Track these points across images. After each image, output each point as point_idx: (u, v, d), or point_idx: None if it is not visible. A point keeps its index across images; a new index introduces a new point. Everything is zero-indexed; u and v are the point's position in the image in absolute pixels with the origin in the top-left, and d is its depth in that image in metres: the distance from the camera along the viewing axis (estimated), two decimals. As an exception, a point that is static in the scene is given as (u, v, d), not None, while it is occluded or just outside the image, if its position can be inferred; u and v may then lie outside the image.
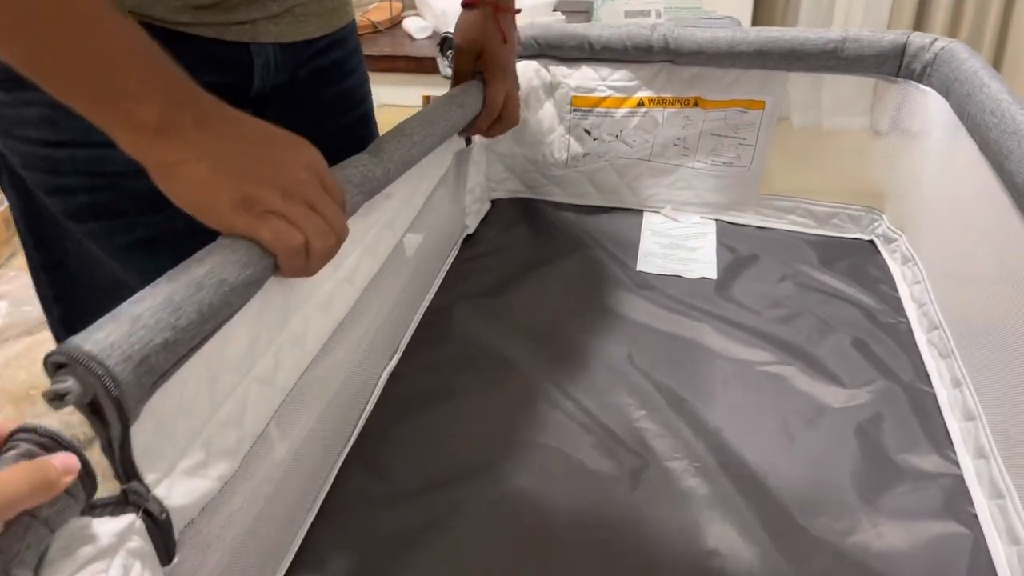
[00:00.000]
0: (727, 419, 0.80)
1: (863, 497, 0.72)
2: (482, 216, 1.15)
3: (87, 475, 0.40)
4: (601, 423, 0.79)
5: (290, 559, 0.66)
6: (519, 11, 0.92)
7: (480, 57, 0.91)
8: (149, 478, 0.45)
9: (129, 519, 0.43)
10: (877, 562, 0.66)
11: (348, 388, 0.76)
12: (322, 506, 0.71)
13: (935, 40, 0.95)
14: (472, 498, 0.72)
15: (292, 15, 0.70)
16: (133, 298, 0.43)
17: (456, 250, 1.08)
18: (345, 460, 0.76)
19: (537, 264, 1.04)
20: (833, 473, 0.74)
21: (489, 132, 0.96)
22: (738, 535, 0.68)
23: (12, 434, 0.38)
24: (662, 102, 1.08)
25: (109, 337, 0.39)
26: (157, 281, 0.45)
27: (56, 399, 0.37)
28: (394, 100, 1.79)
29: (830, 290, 1.00)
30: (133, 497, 0.44)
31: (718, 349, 0.89)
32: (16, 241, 0.67)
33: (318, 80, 0.78)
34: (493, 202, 1.18)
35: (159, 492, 0.46)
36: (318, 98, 0.80)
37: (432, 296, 0.99)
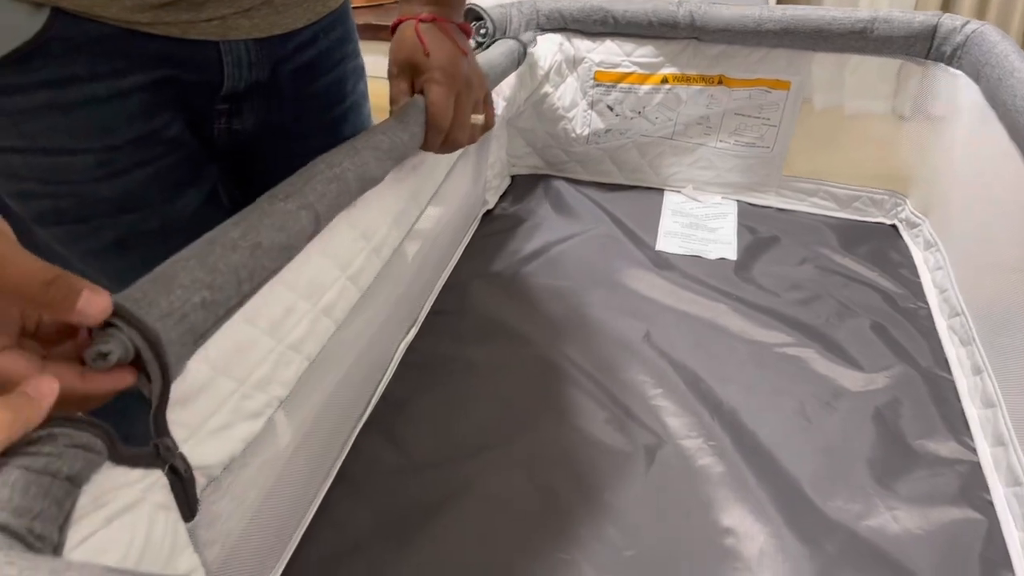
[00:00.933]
0: (743, 400, 0.80)
1: (879, 481, 0.72)
2: (501, 192, 1.15)
3: (105, 431, 0.40)
4: (617, 400, 0.80)
5: (309, 519, 0.67)
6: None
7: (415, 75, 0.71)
8: (178, 435, 0.46)
9: (156, 474, 0.44)
10: (891, 545, 0.66)
11: (367, 358, 0.76)
12: (340, 471, 0.72)
13: (967, 22, 0.93)
14: (487, 472, 0.72)
15: (270, 6, 0.63)
16: (168, 260, 0.44)
17: (475, 225, 1.08)
18: (363, 428, 0.76)
19: (556, 241, 1.04)
20: (849, 456, 0.74)
21: (441, 147, 0.72)
22: (752, 515, 0.68)
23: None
24: (686, 79, 1.07)
25: (148, 296, 0.39)
26: (193, 244, 0.46)
27: (99, 359, 0.37)
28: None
29: (850, 274, 0.99)
30: (164, 453, 0.44)
31: (736, 330, 0.89)
32: None
33: (303, 76, 0.71)
34: (513, 178, 1.17)
35: (185, 450, 0.46)
36: (302, 94, 0.72)
37: (450, 270, 0.99)
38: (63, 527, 0.37)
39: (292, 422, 0.61)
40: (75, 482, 0.38)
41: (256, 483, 0.56)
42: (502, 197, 1.14)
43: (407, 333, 0.87)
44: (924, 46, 0.96)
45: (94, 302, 0.36)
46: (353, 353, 0.72)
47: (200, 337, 0.45)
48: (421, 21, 0.68)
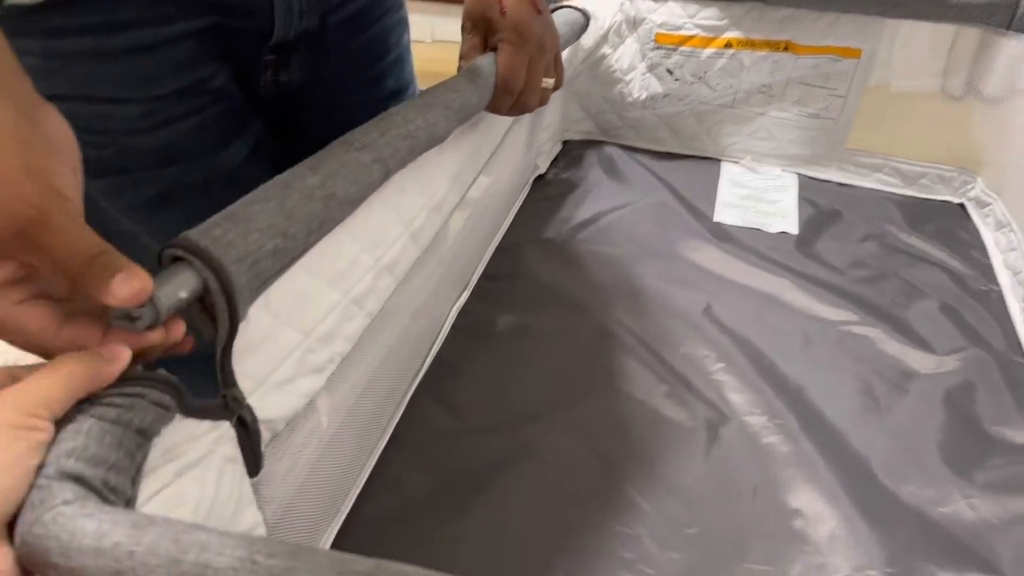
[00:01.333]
0: (809, 378, 0.77)
1: (953, 467, 0.69)
2: (553, 157, 1.11)
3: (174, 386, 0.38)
4: (677, 373, 0.77)
5: (363, 480, 0.65)
6: None
7: (488, 33, 0.68)
8: (244, 387, 0.43)
9: (223, 427, 0.42)
10: (967, 534, 0.63)
11: (421, 319, 0.74)
12: (394, 433, 0.70)
13: (1056, -9, 0.88)
14: (543, 439, 0.69)
15: None
16: (245, 199, 0.41)
17: (527, 190, 1.05)
18: (416, 391, 0.74)
19: (609, 209, 1.00)
20: (921, 440, 0.71)
21: (510, 110, 0.70)
22: (822, 497, 0.65)
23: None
24: (751, 44, 1.02)
25: (226, 235, 0.37)
26: (269, 185, 0.43)
27: (125, 319, 0.35)
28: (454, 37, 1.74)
29: (917, 252, 0.95)
30: (232, 404, 0.42)
31: (799, 306, 0.86)
32: None
33: (350, 27, 0.69)
34: (564, 143, 1.14)
35: (251, 402, 0.44)
36: (349, 46, 0.71)
37: (502, 235, 0.96)
38: (135, 480, 0.35)
39: (348, 381, 0.59)
40: (146, 435, 0.36)
41: (314, 439, 0.54)
42: (553, 162, 1.11)
43: (459, 297, 0.85)
44: (1007, 15, 0.92)
45: (127, 283, 0.33)
46: (408, 314, 0.70)
47: (263, 284, 0.43)
48: None
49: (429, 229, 0.69)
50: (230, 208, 0.40)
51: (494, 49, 0.65)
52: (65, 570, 0.30)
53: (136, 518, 0.31)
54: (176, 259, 0.36)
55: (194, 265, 0.36)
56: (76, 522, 0.30)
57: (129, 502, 0.34)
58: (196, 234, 0.37)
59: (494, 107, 0.66)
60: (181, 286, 0.35)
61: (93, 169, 0.57)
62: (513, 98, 0.66)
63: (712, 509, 0.65)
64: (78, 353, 0.34)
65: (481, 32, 0.66)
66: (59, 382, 0.32)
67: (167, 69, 0.55)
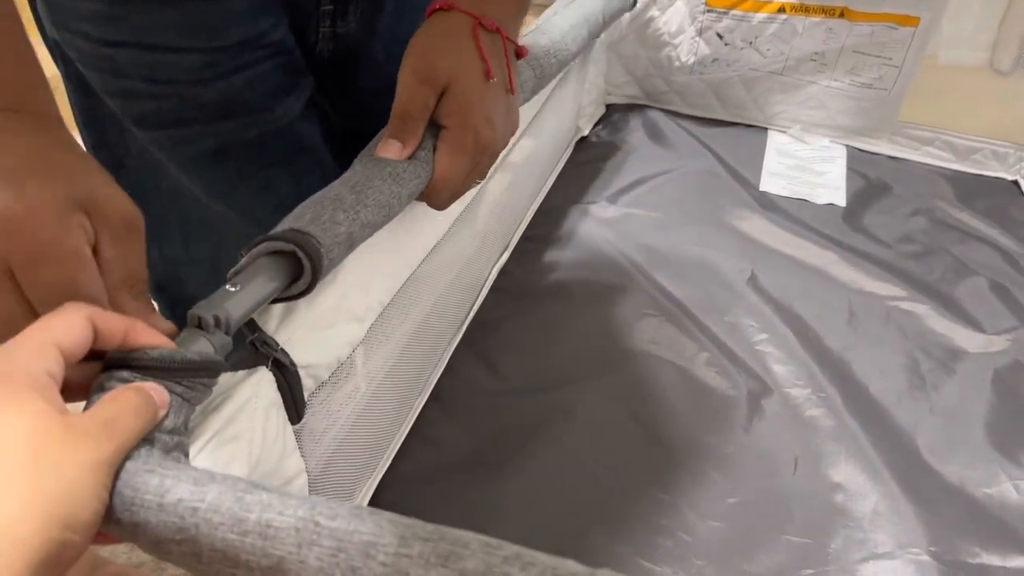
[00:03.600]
0: (853, 352, 0.75)
1: (999, 448, 0.67)
2: (595, 120, 1.09)
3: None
4: (719, 341, 0.76)
5: (403, 436, 0.65)
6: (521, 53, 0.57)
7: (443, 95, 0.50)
8: (281, 338, 0.43)
9: (261, 371, 0.42)
10: (1013, 516, 0.62)
11: (463, 278, 0.73)
12: (434, 391, 0.69)
13: None
14: (583, 401, 0.69)
15: None
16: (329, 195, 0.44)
17: (569, 152, 1.03)
18: (456, 350, 0.73)
19: (653, 174, 0.99)
20: (967, 420, 0.70)
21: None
22: (864, 472, 0.65)
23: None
24: (805, 10, 0.99)
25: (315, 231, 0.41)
26: (352, 180, 0.45)
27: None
28: None
29: (967, 229, 0.93)
30: (263, 348, 0.42)
31: (846, 279, 0.84)
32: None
33: None
34: (608, 107, 1.12)
35: (289, 349, 0.44)
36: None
37: (543, 197, 0.95)
38: (185, 431, 0.35)
39: (389, 340, 0.59)
40: (192, 403, 0.35)
41: (357, 393, 0.54)
42: (596, 126, 1.09)
43: (500, 257, 0.84)
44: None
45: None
46: (452, 271, 0.69)
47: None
48: (483, 27, 0.50)
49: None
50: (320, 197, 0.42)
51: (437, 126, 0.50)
52: (129, 525, 0.30)
53: (197, 474, 0.30)
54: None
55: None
56: (138, 478, 0.30)
57: (185, 453, 0.34)
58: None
59: (427, 201, 0.53)
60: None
61: (151, 120, 0.57)
62: (443, 200, 0.52)
63: (752, 480, 0.64)
64: (133, 389, 0.32)
65: (436, 91, 0.49)
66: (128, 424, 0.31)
67: (231, 19, 0.54)
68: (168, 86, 0.55)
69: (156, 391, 0.33)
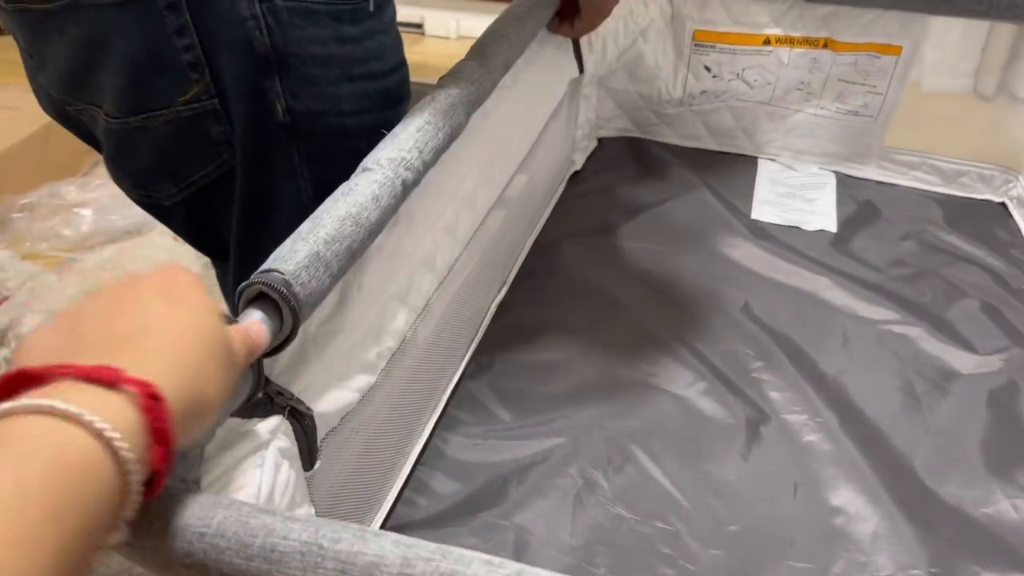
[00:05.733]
0: (849, 377, 0.76)
1: (995, 468, 0.68)
2: (588, 153, 1.11)
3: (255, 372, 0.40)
4: (716, 370, 0.77)
5: (406, 473, 0.66)
6: None
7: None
8: (296, 387, 0.44)
9: (277, 419, 0.43)
10: (1012, 534, 0.63)
11: (462, 314, 0.74)
12: (434, 428, 0.70)
13: (1105, -13, 0.87)
14: (583, 433, 0.70)
15: None
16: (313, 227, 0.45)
17: (563, 186, 1.05)
18: (456, 385, 0.74)
19: (646, 205, 1.00)
20: (962, 440, 0.71)
21: (576, 28, 0.84)
22: (863, 495, 0.65)
23: None
24: (790, 41, 1.02)
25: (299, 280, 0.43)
26: (322, 217, 0.46)
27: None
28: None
29: (957, 251, 0.95)
30: (277, 399, 0.43)
31: (839, 304, 0.85)
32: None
33: None
34: (600, 140, 1.14)
35: (304, 398, 0.45)
36: None
37: (539, 231, 0.97)
38: (197, 467, 0.36)
39: (398, 373, 0.60)
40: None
41: (354, 438, 0.55)
42: (589, 159, 1.11)
43: (499, 291, 0.85)
44: (1054, 12, 0.90)
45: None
46: (452, 308, 0.71)
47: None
48: None
49: (464, 223, 0.69)
50: (312, 246, 0.44)
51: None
52: (136, 548, 0.31)
53: (204, 499, 0.32)
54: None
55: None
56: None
57: (195, 485, 0.35)
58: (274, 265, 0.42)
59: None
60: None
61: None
62: None
63: (753, 507, 0.65)
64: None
65: None
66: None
67: None
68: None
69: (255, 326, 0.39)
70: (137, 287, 0.33)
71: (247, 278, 0.42)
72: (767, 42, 1.02)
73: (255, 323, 0.39)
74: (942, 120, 1.04)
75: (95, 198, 1.89)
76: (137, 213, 1.78)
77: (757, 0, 1.00)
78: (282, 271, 0.41)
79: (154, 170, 0.62)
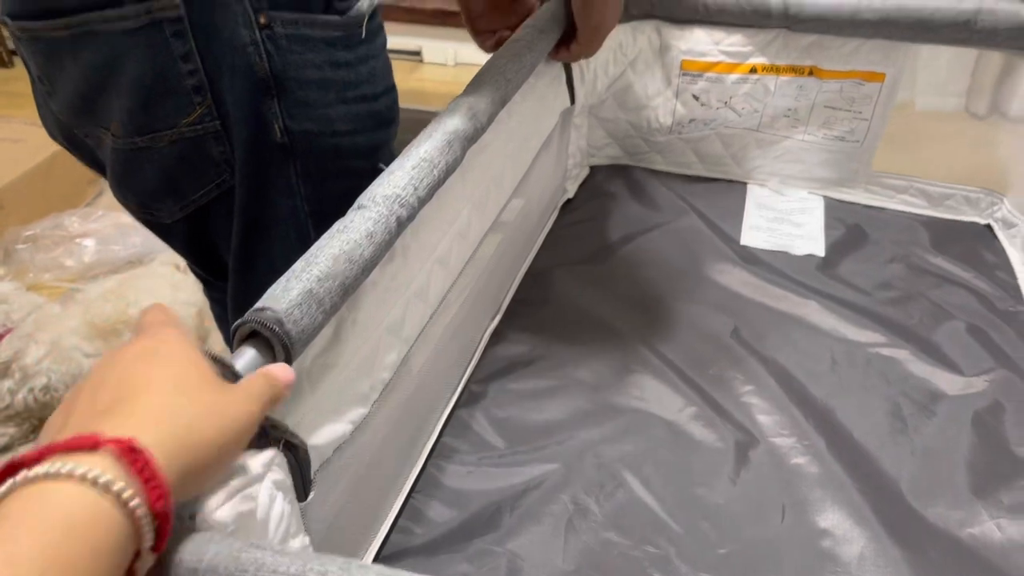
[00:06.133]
0: (837, 400, 0.78)
1: (981, 489, 0.69)
2: (580, 181, 1.13)
3: None
4: (706, 395, 0.78)
5: (396, 508, 0.67)
6: None
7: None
8: (291, 420, 0.46)
9: (272, 452, 0.44)
10: (997, 555, 0.64)
11: (455, 343, 0.76)
12: (429, 456, 0.72)
13: (1079, 14, 0.89)
14: (572, 462, 0.71)
15: None
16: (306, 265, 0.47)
17: (555, 215, 1.07)
18: (450, 414, 0.76)
19: (637, 232, 1.02)
20: (949, 461, 0.72)
21: (572, 52, 0.86)
22: (850, 518, 0.67)
23: None
24: (775, 70, 1.04)
25: (292, 315, 0.44)
26: (316, 255, 0.48)
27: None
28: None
29: (943, 274, 0.96)
30: (273, 432, 0.45)
31: (827, 328, 0.87)
32: (103, 180, 0.66)
33: None
34: (592, 168, 1.16)
35: (298, 431, 0.47)
36: None
37: (532, 259, 0.98)
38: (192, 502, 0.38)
39: (392, 403, 0.61)
40: None
41: (349, 468, 0.57)
42: (581, 187, 1.13)
43: (492, 320, 0.87)
44: (1032, 39, 0.93)
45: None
46: (445, 338, 0.72)
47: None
48: None
49: (457, 255, 0.71)
50: (305, 283, 0.45)
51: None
52: None
53: (197, 535, 0.33)
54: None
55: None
56: None
57: (190, 521, 0.37)
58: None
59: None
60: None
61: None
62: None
63: (742, 530, 0.66)
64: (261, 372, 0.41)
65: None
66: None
67: None
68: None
69: (281, 369, 0.41)
70: (120, 357, 0.35)
71: (245, 294, 0.44)
72: (753, 71, 1.04)
73: (277, 366, 0.41)
74: (929, 144, 1.06)
75: (97, 228, 1.92)
76: (138, 243, 1.80)
77: (742, 30, 1.03)
78: (275, 309, 0.43)
79: (157, 189, 0.66)
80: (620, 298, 0.91)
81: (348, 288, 0.49)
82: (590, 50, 0.86)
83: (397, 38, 2.63)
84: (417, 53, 2.73)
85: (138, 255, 1.82)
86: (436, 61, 2.73)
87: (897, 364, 0.82)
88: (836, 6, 0.96)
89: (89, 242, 1.88)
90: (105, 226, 1.92)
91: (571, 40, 0.84)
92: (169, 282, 1.54)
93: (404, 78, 2.94)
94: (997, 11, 0.92)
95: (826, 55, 1.01)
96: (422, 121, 0.65)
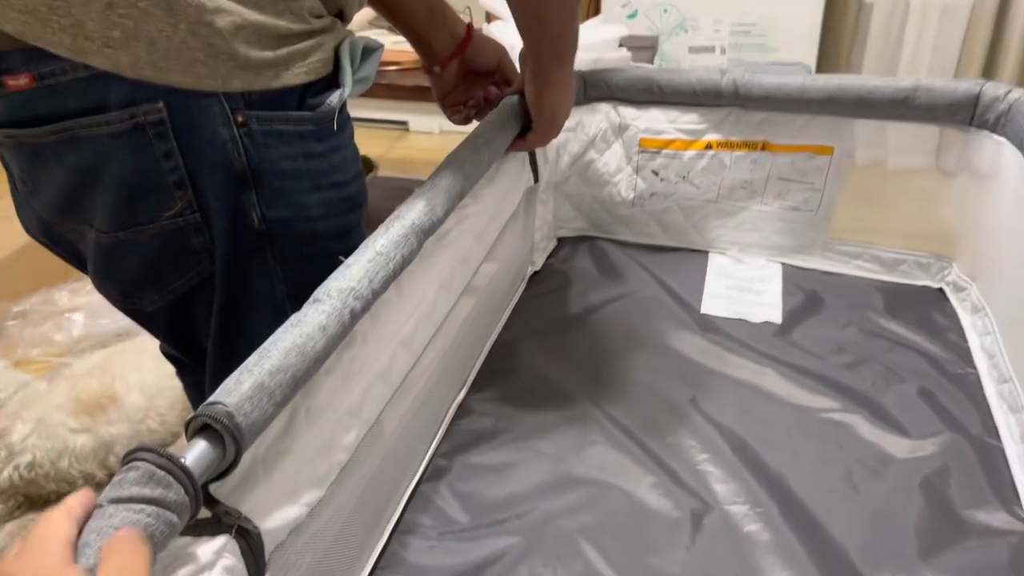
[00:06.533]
0: (790, 466, 0.80)
1: (928, 551, 0.72)
2: (548, 253, 1.18)
3: (193, 498, 0.44)
4: (664, 464, 0.81)
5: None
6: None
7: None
8: (245, 506, 0.49)
9: (223, 539, 0.47)
10: (942, 618, 0.66)
11: (420, 419, 0.79)
12: (394, 531, 0.74)
13: (1010, 91, 0.94)
14: (533, 536, 0.73)
15: None
16: (259, 359, 0.50)
17: (523, 286, 1.11)
18: (413, 491, 0.78)
19: (602, 303, 1.06)
20: (897, 525, 0.74)
21: (529, 141, 0.93)
22: (799, 583, 0.69)
23: (130, 454, 0.42)
24: (730, 145, 1.09)
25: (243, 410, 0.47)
26: (269, 349, 0.51)
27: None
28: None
29: (896, 338, 1.00)
30: (225, 519, 0.48)
31: (782, 394, 0.90)
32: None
33: None
34: (559, 240, 1.21)
35: (252, 516, 0.49)
36: None
37: (499, 331, 1.02)
38: None
39: (352, 483, 0.64)
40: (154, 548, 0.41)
41: (310, 548, 0.59)
42: (549, 258, 1.17)
43: (458, 392, 0.90)
44: (967, 114, 0.98)
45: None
46: (409, 415, 0.75)
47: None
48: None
49: (422, 335, 0.75)
50: (257, 377, 0.48)
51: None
52: None
53: None
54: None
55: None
56: None
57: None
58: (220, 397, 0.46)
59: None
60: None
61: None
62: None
63: (695, 598, 0.68)
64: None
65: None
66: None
67: None
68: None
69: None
70: None
71: (224, 377, 0.47)
72: (709, 147, 1.10)
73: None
74: (880, 205, 1.10)
75: (86, 303, 1.95)
76: (126, 317, 1.82)
77: (697, 109, 1.08)
78: (226, 403, 0.46)
79: (139, 279, 0.69)
80: (584, 368, 0.95)
81: (300, 380, 0.52)
82: (546, 139, 0.91)
83: (383, 111, 2.72)
84: (403, 123, 2.81)
85: (126, 328, 1.85)
86: (422, 130, 2.81)
87: (849, 429, 0.85)
88: (783, 85, 1.02)
89: (78, 316, 1.91)
90: (94, 300, 1.95)
91: (527, 129, 0.89)
92: (154, 356, 1.57)
93: (391, 146, 3.02)
94: (934, 88, 0.98)
95: (777, 131, 1.07)
96: (407, 188, 0.70)
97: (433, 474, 0.80)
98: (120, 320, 1.87)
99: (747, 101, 1.05)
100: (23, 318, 1.88)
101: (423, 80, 1.64)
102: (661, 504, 0.77)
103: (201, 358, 0.74)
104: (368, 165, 2.02)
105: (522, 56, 0.86)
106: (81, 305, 1.95)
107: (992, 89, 0.96)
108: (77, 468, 1.35)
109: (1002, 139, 0.95)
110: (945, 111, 0.98)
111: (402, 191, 0.72)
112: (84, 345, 1.85)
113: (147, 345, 1.63)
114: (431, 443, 0.83)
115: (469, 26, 0.90)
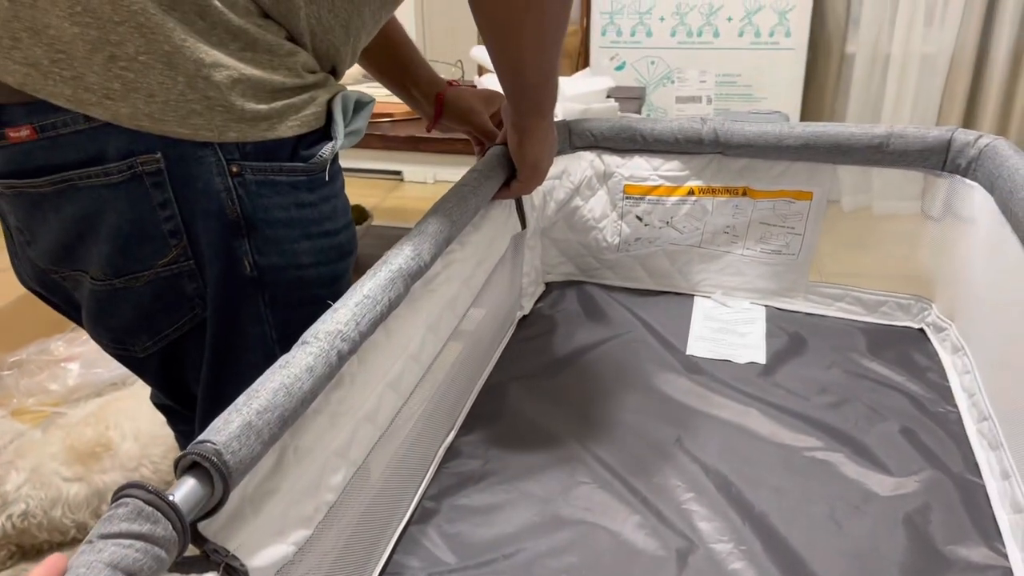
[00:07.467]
0: (774, 504, 0.81)
1: (910, 588, 0.73)
2: (536, 298, 1.20)
3: (181, 535, 0.45)
4: (650, 503, 0.82)
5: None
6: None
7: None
8: (232, 544, 0.50)
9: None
10: (923, 654, 0.67)
11: (409, 461, 0.80)
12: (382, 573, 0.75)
13: (979, 137, 0.98)
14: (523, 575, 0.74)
15: None
16: (247, 399, 0.52)
17: (511, 330, 1.13)
18: (401, 533, 0.79)
19: (589, 346, 1.08)
20: (879, 562, 0.75)
21: (513, 189, 0.97)
22: (783, 620, 0.69)
23: (120, 491, 0.43)
24: (712, 191, 1.12)
25: (231, 448, 0.48)
26: (257, 389, 0.53)
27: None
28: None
29: (878, 378, 1.01)
30: (214, 556, 0.49)
31: (766, 434, 0.91)
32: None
33: None
34: (547, 284, 1.23)
35: (240, 554, 0.50)
36: None
37: (488, 374, 1.03)
38: None
39: (341, 524, 0.65)
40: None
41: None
42: (537, 302, 1.19)
43: (447, 435, 0.91)
44: (939, 159, 1.01)
45: None
46: (397, 457, 0.76)
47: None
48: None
49: (410, 377, 0.76)
50: (245, 416, 0.50)
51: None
52: None
53: None
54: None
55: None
56: None
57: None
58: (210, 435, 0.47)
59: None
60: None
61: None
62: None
63: (679, 636, 0.69)
64: None
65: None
66: None
67: None
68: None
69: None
70: None
71: (214, 419, 0.49)
72: (691, 192, 1.13)
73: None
74: (863, 249, 1.13)
75: (82, 352, 1.96)
76: (121, 366, 1.83)
77: (679, 156, 1.11)
78: (214, 441, 0.48)
79: (132, 325, 0.71)
80: (572, 410, 0.96)
81: (288, 420, 0.54)
82: (530, 187, 0.94)
83: (378, 161, 2.77)
84: (398, 173, 2.86)
85: (121, 377, 1.86)
86: (416, 180, 2.86)
87: (832, 467, 0.87)
88: (762, 133, 1.05)
89: (73, 366, 1.92)
90: (89, 350, 1.96)
91: (511, 177, 0.92)
92: (149, 404, 1.58)
93: (385, 196, 3.07)
94: (907, 135, 1.01)
95: (757, 177, 1.10)
96: (401, 237, 0.72)
97: (421, 516, 0.81)
98: (115, 369, 1.89)
99: (728, 148, 1.08)
100: (19, 368, 1.90)
101: (417, 131, 1.68)
102: (647, 543, 0.78)
103: (192, 405, 0.75)
104: (362, 214, 2.07)
105: (505, 108, 0.89)
106: (77, 355, 1.96)
107: (963, 135, 0.99)
108: (70, 517, 1.35)
109: (974, 184, 0.98)
110: (918, 156, 1.02)
111: (396, 240, 0.74)
112: (79, 394, 1.86)
113: (142, 393, 1.64)
114: (420, 485, 0.84)
115: (439, 95, 0.95)
